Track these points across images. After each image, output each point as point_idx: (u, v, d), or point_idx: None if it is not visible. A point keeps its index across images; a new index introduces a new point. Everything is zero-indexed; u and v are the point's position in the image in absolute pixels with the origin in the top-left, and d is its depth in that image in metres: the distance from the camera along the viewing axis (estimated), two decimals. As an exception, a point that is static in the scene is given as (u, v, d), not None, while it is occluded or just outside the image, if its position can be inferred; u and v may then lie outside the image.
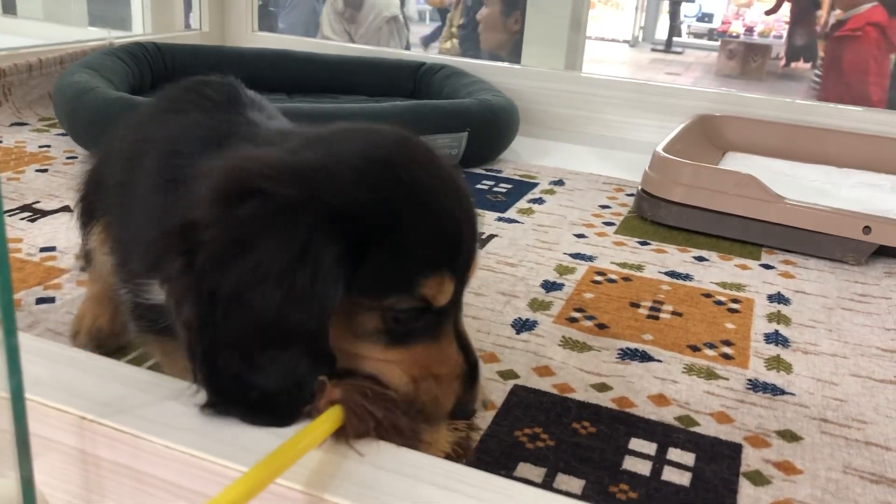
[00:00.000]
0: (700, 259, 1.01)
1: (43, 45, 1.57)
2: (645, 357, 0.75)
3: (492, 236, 1.04)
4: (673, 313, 0.85)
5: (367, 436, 0.45)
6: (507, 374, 0.70)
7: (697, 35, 9.43)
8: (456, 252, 0.48)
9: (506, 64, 1.82)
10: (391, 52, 1.83)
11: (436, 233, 0.47)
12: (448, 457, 0.51)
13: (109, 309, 0.69)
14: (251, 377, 0.44)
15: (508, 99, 1.42)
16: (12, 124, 1.40)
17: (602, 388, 0.69)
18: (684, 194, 1.10)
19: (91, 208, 0.68)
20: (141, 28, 1.87)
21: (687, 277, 0.95)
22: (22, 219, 0.98)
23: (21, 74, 1.46)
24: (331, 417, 0.45)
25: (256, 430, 0.44)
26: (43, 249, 0.90)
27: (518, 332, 0.78)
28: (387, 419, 0.47)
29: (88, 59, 1.43)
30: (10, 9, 2.36)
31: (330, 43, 1.95)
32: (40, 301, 0.78)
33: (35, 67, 1.48)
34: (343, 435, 0.45)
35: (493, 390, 0.68)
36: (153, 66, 1.58)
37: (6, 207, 1.01)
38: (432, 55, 1.78)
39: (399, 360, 0.49)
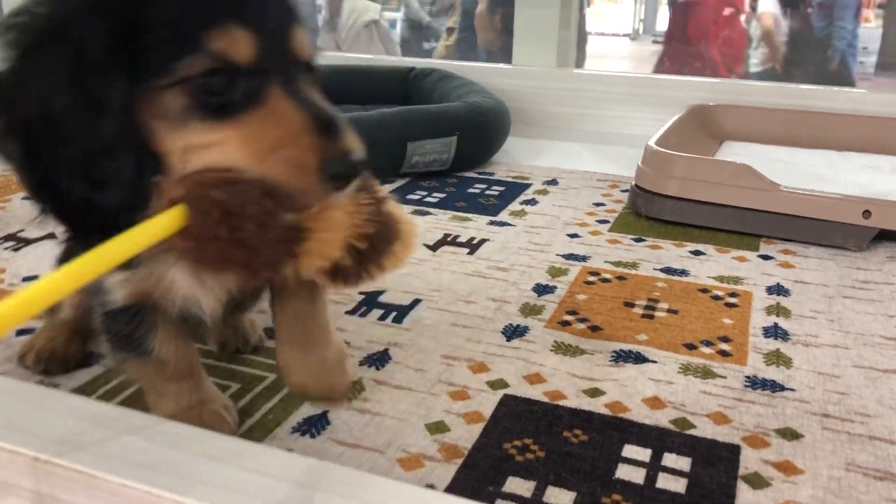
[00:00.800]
0: (696, 253, 0.99)
1: None
2: (639, 358, 0.73)
3: (483, 241, 1.02)
4: (668, 311, 0.83)
5: (215, 229, 0.41)
6: (497, 384, 0.68)
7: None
8: (247, 5, 0.46)
9: (497, 64, 1.80)
10: (380, 59, 1.81)
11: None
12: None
13: (66, 332, 0.69)
14: (91, 196, 0.45)
15: (498, 100, 1.40)
16: (1, 153, 1.39)
17: (595, 393, 0.67)
18: (679, 187, 1.08)
19: None
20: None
21: (683, 273, 0.92)
22: (6, 248, 0.97)
23: None
24: (171, 215, 0.41)
25: (218, 463, 0.42)
26: (26, 279, 0.88)
27: (509, 340, 0.76)
28: (236, 203, 0.42)
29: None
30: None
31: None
32: (21, 333, 0.77)
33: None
34: (188, 235, 0.42)
35: (482, 402, 0.66)
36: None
37: (-8, 238, 1.00)
38: (421, 59, 1.76)
39: (228, 138, 0.45)
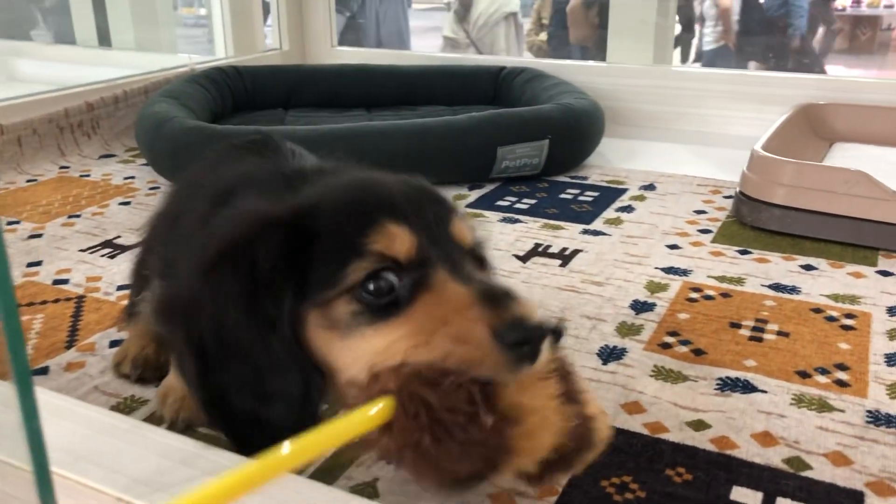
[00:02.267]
0: (808, 268, 0.92)
1: (128, 77, 1.60)
2: (747, 387, 0.68)
3: (576, 252, 0.97)
4: (778, 333, 0.77)
5: (419, 436, 0.38)
6: (593, 413, 0.65)
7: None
8: (402, 205, 0.47)
9: (590, 62, 1.74)
10: (470, 59, 1.78)
11: (377, 202, 0.47)
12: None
13: (156, 342, 0.70)
14: (264, 413, 0.46)
15: (592, 101, 1.35)
16: (101, 156, 1.43)
17: (699, 426, 0.63)
18: (787, 196, 1.01)
19: (144, 270, 0.67)
20: (223, 51, 1.89)
21: (793, 290, 0.86)
22: (102, 255, 0.99)
23: (108, 107, 1.49)
24: (378, 407, 0.39)
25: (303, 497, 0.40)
26: (121, 287, 0.89)
27: (605, 363, 0.72)
28: (446, 407, 0.39)
29: (169, 87, 1.45)
30: (105, 41, 2.44)
31: (408, 53, 1.92)
32: (114, 343, 0.77)
33: (121, 99, 1.51)
34: (391, 433, 0.39)
35: (577, 432, 0.62)
36: (233, 90, 1.58)
37: (91, 244, 1.02)
38: (513, 58, 1.72)
39: (399, 333, 0.44)
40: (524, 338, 0.42)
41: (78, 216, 1.13)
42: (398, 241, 0.45)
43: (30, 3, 3.68)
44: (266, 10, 1.96)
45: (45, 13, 3.90)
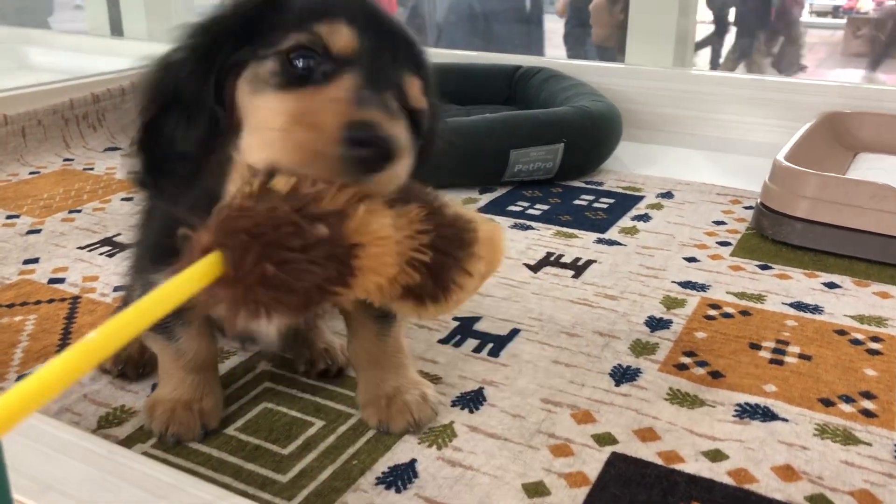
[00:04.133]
0: (831, 286, 0.88)
1: (136, 68, 1.57)
2: (767, 415, 0.64)
3: (590, 262, 0.94)
4: (800, 356, 0.73)
5: (257, 269, 0.36)
6: (604, 439, 0.61)
7: (820, 13, 8.90)
8: (365, 22, 0.48)
9: (608, 63, 1.70)
10: (485, 57, 1.74)
11: (347, 7, 0.49)
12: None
13: (139, 341, 0.68)
14: (172, 149, 0.50)
15: (609, 104, 1.31)
16: (106, 149, 1.40)
17: (716, 456, 0.59)
18: (810, 209, 0.97)
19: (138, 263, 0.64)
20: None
21: (816, 310, 0.82)
22: (101, 254, 0.96)
23: (114, 99, 1.46)
24: (205, 264, 0.36)
25: None
26: (117, 289, 0.86)
27: (618, 384, 0.69)
28: (269, 226, 0.37)
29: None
30: (117, 31, 2.41)
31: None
32: (107, 349, 0.74)
33: (127, 91, 1.48)
34: (229, 282, 0.36)
35: (587, 460, 0.59)
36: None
37: (90, 241, 1.00)
38: (528, 57, 1.68)
39: (283, 107, 0.46)
40: (367, 139, 0.42)
41: (79, 211, 1.10)
42: (340, 35, 0.47)
43: (44, -9, 3.67)
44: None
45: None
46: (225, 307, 0.37)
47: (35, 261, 0.94)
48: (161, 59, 0.52)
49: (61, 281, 0.88)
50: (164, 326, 0.60)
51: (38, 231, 1.03)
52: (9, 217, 1.08)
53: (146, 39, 2.32)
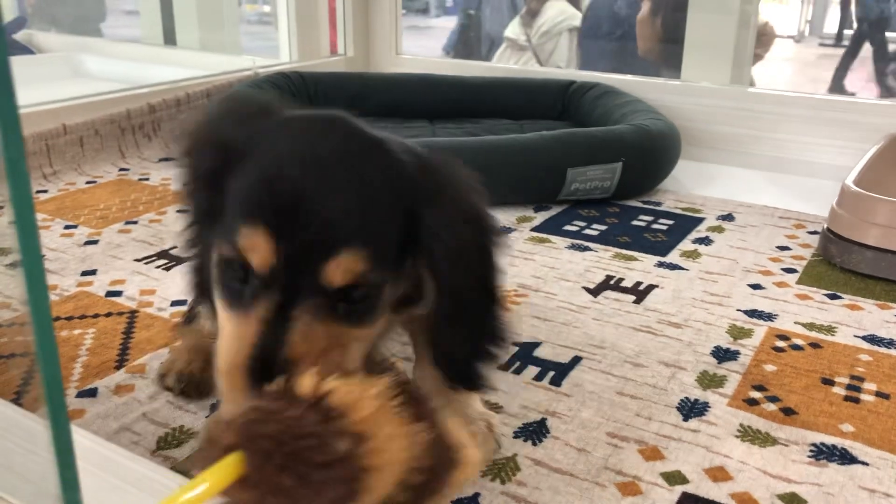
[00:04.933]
0: (906, 318, 0.85)
1: (191, 78, 1.58)
2: (845, 457, 0.62)
3: (651, 287, 0.92)
4: (877, 394, 0.70)
5: (278, 477, 0.37)
6: (674, 478, 0.59)
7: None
8: (287, 221, 0.46)
9: (663, 80, 1.67)
10: (537, 72, 1.73)
11: (273, 192, 0.46)
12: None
13: (203, 357, 0.68)
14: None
15: (669, 123, 1.29)
16: (160, 160, 1.41)
17: (793, 500, 0.57)
18: (882, 237, 0.93)
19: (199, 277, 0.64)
20: (287, 55, 1.86)
21: (891, 344, 0.79)
22: (158, 266, 0.96)
23: (170, 109, 1.48)
24: (227, 464, 0.37)
25: None
26: (174, 303, 0.86)
27: (686, 419, 0.66)
28: (293, 434, 0.38)
29: (232, 92, 1.43)
30: (170, 40, 2.45)
31: (474, 63, 1.87)
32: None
33: (183, 101, 1.49)
34: (249, 485, 0.37)
35: (657, 499, 0.57)
36: (297, 95, 1.56)
37: (146, 253, 1.00)
38: (583, 73, 1.66)
39: (223, 325, 0.47)
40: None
41: (135, 223, 1.11)
42: (254, 251, 0.45)
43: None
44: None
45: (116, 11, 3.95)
46: None
47: (93, 272, 0.94)
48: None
49: (118, 294, 0.88)
50: None
51: (96, 242, 1.03)
52: (67, 227, 1.09)
53: (198, 49, 2.34)
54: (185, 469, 0.59)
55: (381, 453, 0.40)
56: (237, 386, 0.44)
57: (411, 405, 0.44)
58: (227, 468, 0.37)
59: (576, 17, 3.68)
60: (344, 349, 0.47)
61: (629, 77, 1.62)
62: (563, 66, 3.47)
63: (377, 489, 0.40)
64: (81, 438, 0.44)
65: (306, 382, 0.41)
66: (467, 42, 4.43)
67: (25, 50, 2.44)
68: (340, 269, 0.46)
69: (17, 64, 1.96)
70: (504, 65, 1.75)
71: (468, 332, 0.55)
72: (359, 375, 0.45)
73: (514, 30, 3.73)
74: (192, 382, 0.69)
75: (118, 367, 0.74)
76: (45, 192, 1.24)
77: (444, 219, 0.51)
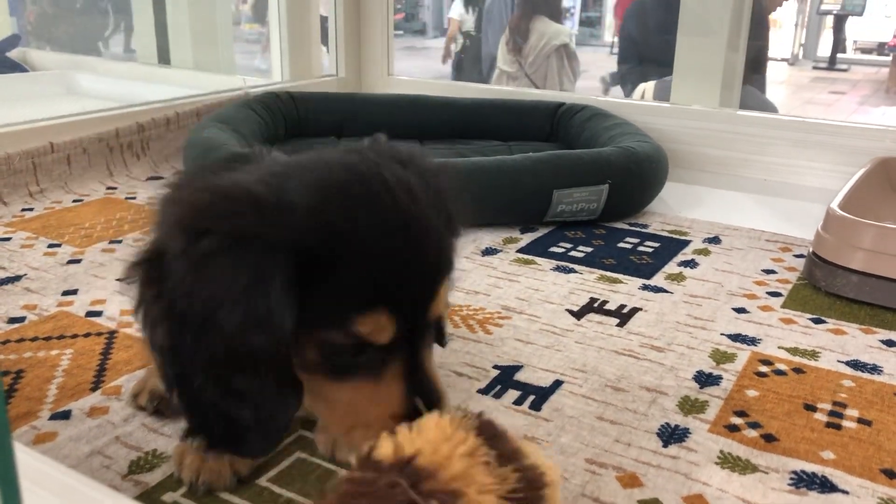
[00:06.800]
0: (890, 344, 0.84)
1: (182, 98, 1.59)
2: (825, 485, 0.61)
3: (635, 310, 0.91)
4: (859, 421, 0.70)
5: None
6: (651, 506, 0.58)
7: (865, 50, 8.80)
8: (402, 288, 0.47)
9: (653, 103, 1.68)
10: (527, 94, 1.73)
11: (379, 268, 0.47)
12: None
13: None
14: (227, 407, 0.47)
15: (655, 145, 1.29)
16: (148, 178, 1.41)
17: (771, 529, 0.56)
18: (867, 261, 0.93)
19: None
20: (279, 75, 1.87)
21: (874, 370, 0.79)
22: (140, 287, 0.95)
23: (159, 128, 1.48)
24: None
25: None
26: (154, 324, 0.86)
27: (665, 445, 0.66)
28: None
29: (222, 111, 1.43)
30: (164, 59, 2.45)
31: (464, 85, 1.88)
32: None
33: (172, 121, 1.49)
34: None
35: (634, 528, 0.56)
36: (286, 116, 1.56)
37: (129, 272, 0.99)
38: (573, 95, 1.67)
39: (338, 398, 0.49)
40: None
41: (119, 241, 1.10)
42: (381, 331, 0.47)
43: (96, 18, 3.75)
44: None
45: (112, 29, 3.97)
46: None
47: (74, 292, 0.93)
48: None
49: (99, 314, 0.88)
50: None
51: (79, 261, 1.03)
52: (50, 246, 1.08)
53: (192, 68, 2.35)
54: (157, 496, 0.58)
55: None
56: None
57: (493, 443, 0.44)
58: None
59: (560, 34, 3.69)
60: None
61: (617, 99, 1.63)
62: (557, 89, 3.48)
63: None
64: (39, 464, 0.44)
65: (388, 446, 0.42)
66: (461, 64, 4.46)
67: (19, 68, 2.44)
68: (442, 302, 0.51)
69: (10, 82, 1.96)
70: (495, 86, 1.75)
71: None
72: (434, 420, 0.45)
73: (505, 60, 3.75)
74: (166, 400, 0.68)
75: (94, 389, 0.73)
76: (31, 210, 1.23)
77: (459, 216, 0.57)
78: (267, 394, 0.47)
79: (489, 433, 0.45)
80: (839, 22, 7.89)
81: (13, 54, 2.50)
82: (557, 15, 3.93)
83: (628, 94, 3.12)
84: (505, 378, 0.76)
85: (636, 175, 1.20)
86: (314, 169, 0.51)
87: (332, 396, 0.50)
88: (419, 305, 0.49)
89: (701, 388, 0.75)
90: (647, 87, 2.59)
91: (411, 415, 0.47)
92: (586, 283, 0.99)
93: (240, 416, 0.48)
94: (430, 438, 0.42)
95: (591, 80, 5.13)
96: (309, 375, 0.49)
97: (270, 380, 0.47)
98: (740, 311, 0.91)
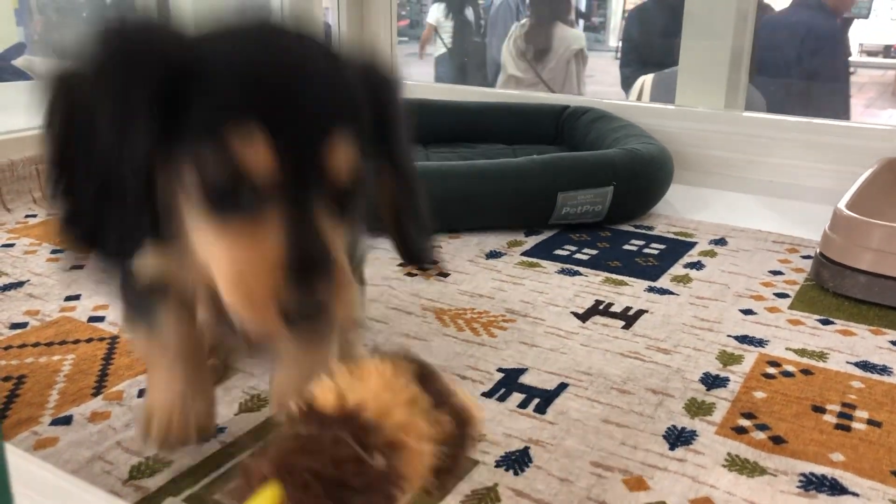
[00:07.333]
0: (899, 344, 0.83)
1: None
2: (835, 488, 0.60)
3: (641, 312, 0.90)
4: (869, 422, 0.69)
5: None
6: (658, 509, 0.57)
7: (871, 53, 8.78)
8: (280, 115, 0.44)
9: (658, 105, 1.67)
10: (532, 96, 1.73)
11: (254, 87, 0.45)
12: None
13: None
14: (95, 208, 0.48)
15: (660, 147, 1.28)
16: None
17: (780, 532, 0.55)
18: (875, 262, 0.92)
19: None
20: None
21: (884, 371, 0.78)
22: (142, 292, 0.95)
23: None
24: (266, 496, 0.36)
25: None
26: (156, 329, 0.85)
27: (672, 448, 0.65)
28: (332, 465, 0.37)
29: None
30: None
31: (468, 88, 1.87)
32: (143, 392, 0.73)
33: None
34: None
35: (640, 531, 0.55)
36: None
37: (132, 277, 0.99)
38: (577, 97, 1.66)
39: (221, 254, 0.46)
40: (303, 314, 0.43)
41: (122, 247, 1.10)
42: (254, 151, 0.44)
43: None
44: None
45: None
46: None
47: (77, 297, 0.93)
48: (69, 83, 0.49)
49: (101, 319, 0.87)
50: (144, 311, 0.60)
51: (82, 267, 1.02)
52: (53, 252, 1.08)
53: None
54: (157, 501, 0.58)
55: (417, 456, 0.40)
56: (275, 293, 0.43)
57: (427, 386, 0.43)
58: (265, 501, 0.36)
59: (578, 39, 3.70)
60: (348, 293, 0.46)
61: (622, 102, 1.62)
62: (575, 93, 3.48)
63: (413, 489, 0.40)
64: (37, 469, 0.43)
65: (330, 397, 0.40)
66: (464, 68, 4.46)
67: (24, 76, 2.45)
68: (342, 164, 0.46)
69: (14, 89, 1.95)
70: (499, 90, 1.75)
71: (415, 208, 0.56)
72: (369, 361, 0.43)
73: (515, 65, 3.74)
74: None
75: (95, 394, 0.72)
76: (35, 216, 1.23)
77: (398, 102, 0.54)
78: (126, 201, 0.47)
79: (422, 375, 0.44)
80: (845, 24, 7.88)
81: (18, 62, 2.51)
82: (570, 21, 3.94)
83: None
84: (509, 381, 0.75)
85: (641, 177, 1.19)
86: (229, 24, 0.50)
87: (215, 251, 0.46)
88: (303, 145, 0.45)
89: (708, 389, 0.74)
90: (646, 79, 2.59)
91: (297, 269, 0.43)
92: (591, 285, 0.98)
93: (106, 220, 0.48)
94: (371, 387, 0.41)
95: (597, 84, 5.13)
96: (193, 219, 0.47)
97: (132, 188, 0.46)
98: (747, 312, 0.91)
